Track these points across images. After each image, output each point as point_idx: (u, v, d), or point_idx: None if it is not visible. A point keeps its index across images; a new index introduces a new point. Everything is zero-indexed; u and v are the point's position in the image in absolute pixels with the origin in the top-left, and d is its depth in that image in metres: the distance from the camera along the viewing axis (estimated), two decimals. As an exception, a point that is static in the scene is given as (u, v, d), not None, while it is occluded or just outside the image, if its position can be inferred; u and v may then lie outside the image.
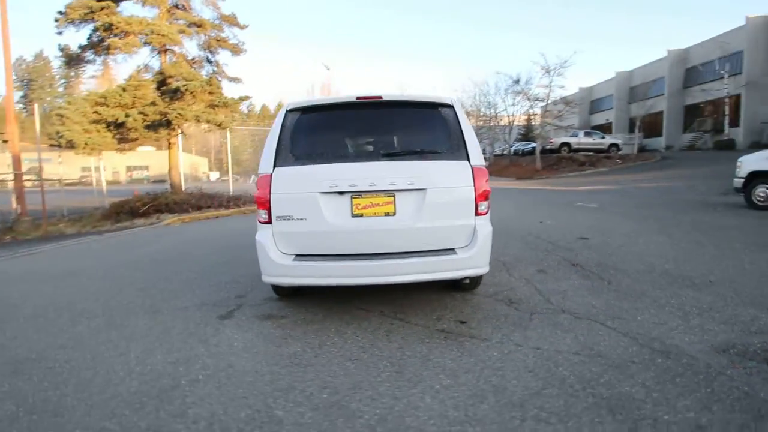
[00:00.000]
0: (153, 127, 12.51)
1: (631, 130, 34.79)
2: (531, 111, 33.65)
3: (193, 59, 15.14)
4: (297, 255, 3.01)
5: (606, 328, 2.92)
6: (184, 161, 19.43)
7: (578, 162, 24.82)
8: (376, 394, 2.17)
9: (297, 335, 2.94)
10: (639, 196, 11.96)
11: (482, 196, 3.07)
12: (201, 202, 12.58)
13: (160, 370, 2.51)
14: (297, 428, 1.91)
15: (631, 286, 3.84)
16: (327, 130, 3.29)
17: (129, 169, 54.15)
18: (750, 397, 2.05)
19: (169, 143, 14.36)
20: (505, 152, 34.00)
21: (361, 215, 2.98)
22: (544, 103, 27.40)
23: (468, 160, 3.12)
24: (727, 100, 27.36)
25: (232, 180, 18.12)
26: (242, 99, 14.06)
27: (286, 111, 3.25)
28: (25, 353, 2.84)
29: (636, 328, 2.91)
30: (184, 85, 12.51)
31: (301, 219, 2.98)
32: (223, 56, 16.60)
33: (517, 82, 27.54)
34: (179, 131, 13.87)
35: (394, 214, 2.99)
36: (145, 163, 54.77)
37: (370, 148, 3.24)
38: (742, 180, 8.71)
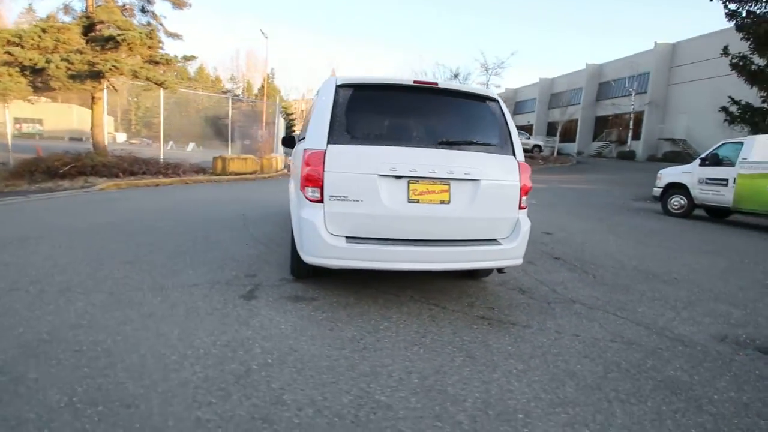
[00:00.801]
0: (79, 77, 10.97)
1: (550, 133, 37.86)
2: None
3: (123, 5, 13.48)
4: (348, 237, 2.93)
5: (618, 318, 3.26)
6: (86, 118, 17.32)
7: (506, 159, 26.38)
8: (464, 379, 2.24)
9: (342, 318, 2.89)
10: (570, 196, 13.13)
11: (525, 191, 3.23)
12: (134, 167, 11.40)
13: (217, 354, 2.34)
14: (410, 413, 1.92)
15: (614, 280, 4.28)
16: (382, 111, 3.22)
17: (17, 120, 46.94)
18: (765, 378, 2.45)
19: (93, 98, 12.70)
20: None
21: (417, 201, 2.98)
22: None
23: (514, 155, 3.26)
24: (632, 115, 30.82)
25: (145, 144, 16.52)
26: (187, 58, 12.83)
27: (337, 86, 3.10)
28: (32, 334, 2.46)
29: (642, 318, 3.28)
30: (120, 35, 11.10)
31: (357, 200, 2.90)
32: (162, 7, 14.97)
33: (456, 76, 28.40)
34: (107, 85, 12.35)
35: (449, 202, 3.04)
36: (38, 116, 47.84)
37: (426, 134, 3.22)
38: (661, 190, 9.98)
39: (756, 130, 13.93)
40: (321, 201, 2.89)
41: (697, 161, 9.17)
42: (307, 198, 2.95)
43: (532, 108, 43.55)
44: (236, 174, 13.68)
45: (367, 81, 3.18)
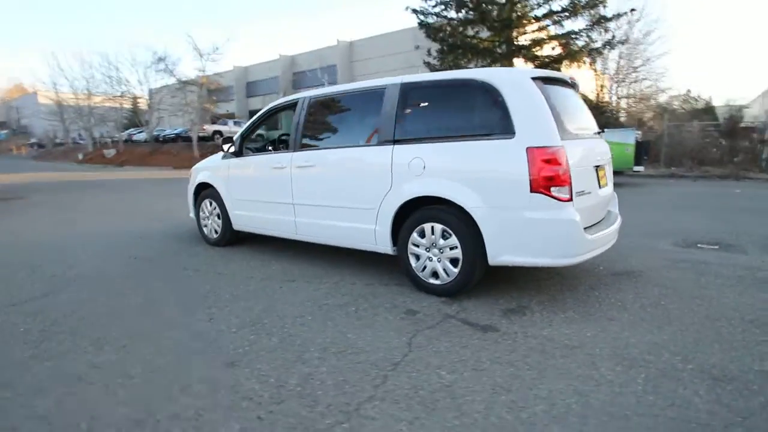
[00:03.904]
0: None
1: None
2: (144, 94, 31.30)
3: None
4: (584, 229, 2.87)
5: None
6: None
7: (235, 150, 25.30)
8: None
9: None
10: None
11: None
12: None
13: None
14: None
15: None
16: (562, 105, 3.01)
17: None
18: None
19: None
20: (147, 139, 29.82)
21: (600, 186, 3.22)
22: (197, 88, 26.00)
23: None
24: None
25: None
26: None
27: (532, 77, 2.89)
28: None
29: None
30: None
31: (588, 193, 2.99)
32: None
33: (161, 59, 24.66)
34: None
35: (606, 185, 3.36)
36: None
37: (586, 124, 3.39)
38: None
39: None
40: (571, 199, 2.72)
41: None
42: (555, 198, 2.69)
43: (231, 96, 42.65)
44: None
45: (550, 75, 3.16)
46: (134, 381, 2.13)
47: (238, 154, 4.45)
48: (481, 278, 3.10)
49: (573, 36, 17.13)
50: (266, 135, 4.96)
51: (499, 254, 2.87)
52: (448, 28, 18.11)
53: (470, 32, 18.04)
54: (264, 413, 1.85)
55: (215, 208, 4.76)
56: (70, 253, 4.75)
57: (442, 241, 3.06)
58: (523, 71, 3.01)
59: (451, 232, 3.01)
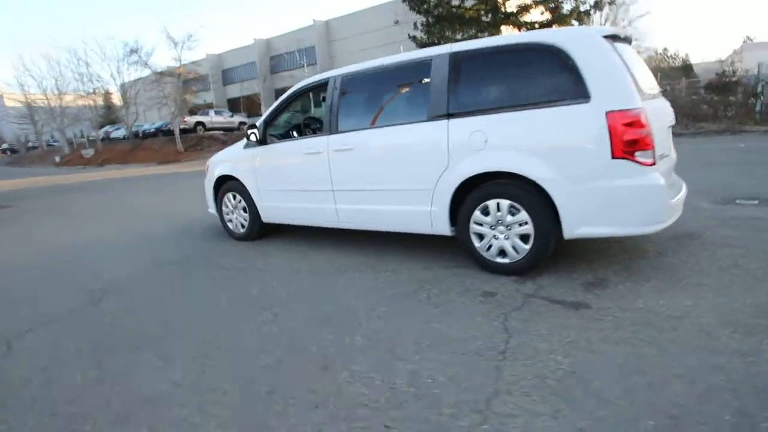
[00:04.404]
0: None
1: (232, 109, 37.16)
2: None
3: None
4: None
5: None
6: None
7: (220, 140, 24.63)
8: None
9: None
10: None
11: None
12: None
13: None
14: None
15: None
16: (631, 64, 2.79)
17: None
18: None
19: None
20: (126, 136, 28.78)
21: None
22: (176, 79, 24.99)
23: None
24: (310, 85, 33.99)
25: None
26: None
27: (603, 35, 2.69)
28: None
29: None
30: None
31: (666, 156, 2.86)
32: None
33: (134, 51, 23.60)
34: None
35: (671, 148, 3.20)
36: None
37: (651, 83, 3.18)
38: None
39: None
40: (654, 163, 2.54)
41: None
42: (639, 162, 2.52)
43: (207, 86, 41.35)
44: None
45: (614, 32, 2.88)
46: (228, 397, 1.95)
47: (262, 142, 4.18)
48: (552, 253, 2.96)
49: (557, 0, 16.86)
50: (291, 119, 4.62)
51: (576, 227, 2.72)
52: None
53: (455, 2, 17.61)
54: (389, 420, 1.69)
55: (240, 201, 4.50)
56: (88, 262, 4.47)
57: (509, 218, 2.90)
58: (592, 30, 2.81)
59: (520, 207, 2.84)
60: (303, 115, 4.96)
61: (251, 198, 4.35)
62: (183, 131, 24.86)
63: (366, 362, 2.12)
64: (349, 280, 3.24)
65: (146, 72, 25.72)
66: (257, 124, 4.18)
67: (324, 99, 4.87)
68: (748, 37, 34.19)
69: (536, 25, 16.93)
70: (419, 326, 2.43)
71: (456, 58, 3.03)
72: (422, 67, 3.20)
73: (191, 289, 3.43)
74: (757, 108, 13.72)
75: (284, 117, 4.41)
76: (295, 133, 4.39)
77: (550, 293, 2.69)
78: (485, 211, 2.99)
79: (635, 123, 2.50)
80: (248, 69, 37.47)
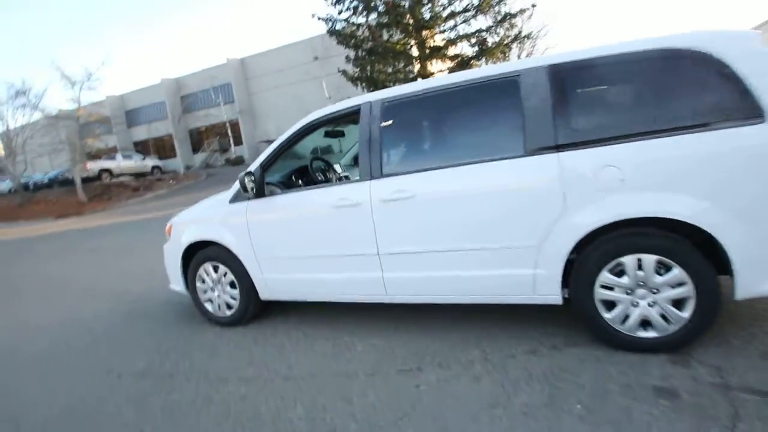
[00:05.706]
0: None
1: (139, 152, 33.92)
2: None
3: None
4: None
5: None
6: None
7: (131, 187, 21.86)
8: None
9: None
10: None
11: None
12: None
13: None
14: None
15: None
16: None
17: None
18: None
19: None
20: (12, 189, 24.39)
21: None
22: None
23: None
24: (228, 123, 32.15)
25: None
26: None
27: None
28: None
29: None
30: None
31: None
32: None
33: (22, 93, 20.32)
34: None
35: None
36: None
37: None
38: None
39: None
40: None
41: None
42: None
43: (109, 129, 37.49)
44: None
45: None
46: None
47: (259, 193, 3.10)
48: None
49: (481, 34, 17.48)
50: (290, 162, 3.55)
51: (757, 282, 2.06)
52: (363, 33, 17.46)
53: (385, 36, 17.56)
54: None
55: (226, 274, 3.32)
56: (9, 377, 2.98)
57: (657, 278, 2.17)
58: (749, 33, 2.23)
59: (672, 263, 2.13)
60: (311, 155, 3.94)
61: (244, 269, 3.21)
62: (85, 180, 21.76)
63: None
64: (434, 387, 2.26)
65: (37, 116, 22.34)
66: (252, 169, 3.10)
67: (336, 132, 3.94)
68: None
69: (465, 58, 17.37)
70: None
71: (558, 72, 2.31)
72: (502, 86, 2.44)
73: (180, 428, 2.21)
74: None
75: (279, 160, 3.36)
76: (301, 181, 3.37)
77: (745, 380, 1.96)
78: (617, 271, 2.24)
79: None
80: (156, 109, 34.72)
